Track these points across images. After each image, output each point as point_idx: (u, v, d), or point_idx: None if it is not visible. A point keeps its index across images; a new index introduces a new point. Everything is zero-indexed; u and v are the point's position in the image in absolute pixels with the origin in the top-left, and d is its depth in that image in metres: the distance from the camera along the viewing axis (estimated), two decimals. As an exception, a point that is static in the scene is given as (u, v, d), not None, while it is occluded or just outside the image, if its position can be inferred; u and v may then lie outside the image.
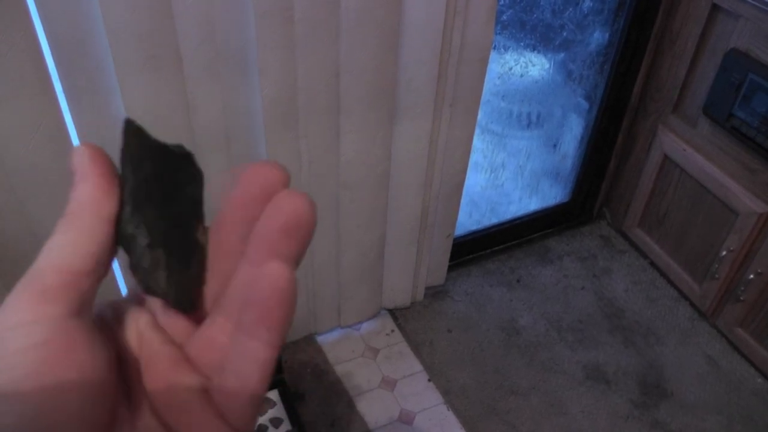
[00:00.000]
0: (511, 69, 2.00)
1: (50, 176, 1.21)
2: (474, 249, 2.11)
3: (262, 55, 1.21)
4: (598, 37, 1.95)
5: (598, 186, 2.22)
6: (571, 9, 1.87)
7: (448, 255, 1.90)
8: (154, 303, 0.29)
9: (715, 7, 1.67)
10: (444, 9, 1.31)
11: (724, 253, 1.78)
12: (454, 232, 1.84)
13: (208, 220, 0.29)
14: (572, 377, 1.78)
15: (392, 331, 1.86)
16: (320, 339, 1.82)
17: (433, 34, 1.34)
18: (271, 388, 1.63)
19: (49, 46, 1.09)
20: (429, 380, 1.74)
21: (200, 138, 1.30)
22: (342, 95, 1.34)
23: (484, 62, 1.48)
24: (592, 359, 1.83)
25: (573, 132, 2.16)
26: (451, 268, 1.98)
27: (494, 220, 2.17)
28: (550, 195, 2.26)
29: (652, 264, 2.12)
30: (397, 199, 1.63)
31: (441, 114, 1.51)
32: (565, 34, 1.93)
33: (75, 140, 1.21)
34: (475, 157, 1.94)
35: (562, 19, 1.88)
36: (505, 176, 2.24)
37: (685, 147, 1.85)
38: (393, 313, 1.91)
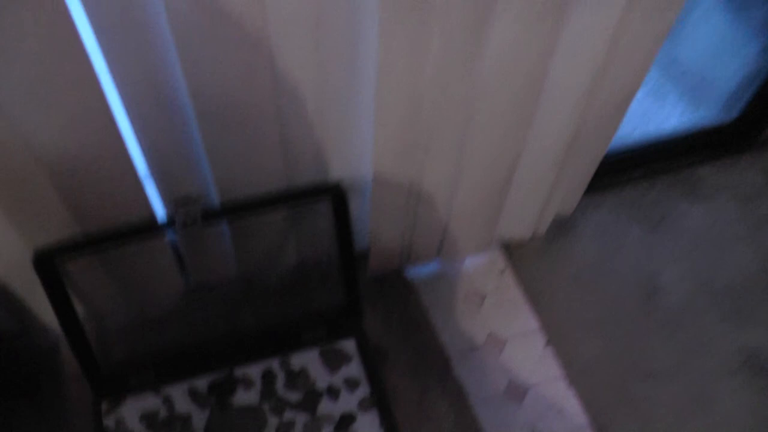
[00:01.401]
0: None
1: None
2: (610, 172, 1.65)
3: None
4: None
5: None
6: None
7: (587, 181, 1.45)
8: None
9: None
10: None
11: None
12: (603, 154, 1.38)
13: None
14: (724, 362, 1.39)
15: (503, 271, 1.45)
16: (413, 274, 1.42)
17: None
18: (345, 335, 1.26)
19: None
20: (547, 343, 1.36)
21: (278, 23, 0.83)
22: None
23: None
24: (751, 341, 1.42)
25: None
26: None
27: (635, 137, 1.70)
28: (709, 113, 1.76)
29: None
30: (548, 111, 1.16)
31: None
32: None
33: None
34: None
35: None
36: (656, 84, 1.74)
37: None
38: (507, 247, 1.49)
